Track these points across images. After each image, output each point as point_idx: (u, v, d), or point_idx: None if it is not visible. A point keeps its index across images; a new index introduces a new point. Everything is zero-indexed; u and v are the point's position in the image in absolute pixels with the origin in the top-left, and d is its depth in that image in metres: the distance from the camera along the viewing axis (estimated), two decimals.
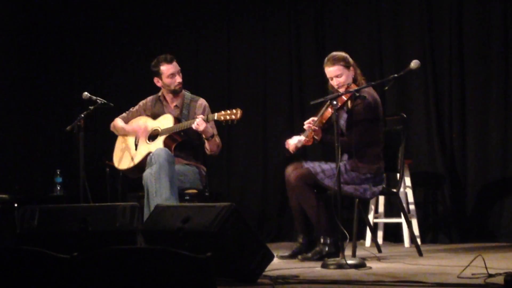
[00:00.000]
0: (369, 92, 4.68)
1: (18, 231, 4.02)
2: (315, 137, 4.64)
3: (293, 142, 4.75)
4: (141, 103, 5.45)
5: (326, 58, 4.77)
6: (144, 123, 5.27)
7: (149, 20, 7.11)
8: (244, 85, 6.80)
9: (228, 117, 4.85)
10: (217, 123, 5.07)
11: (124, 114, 5.45)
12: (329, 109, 4.60)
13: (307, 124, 4.64)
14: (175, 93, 5.29)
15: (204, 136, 5.05)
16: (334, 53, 4.79)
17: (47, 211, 4.02)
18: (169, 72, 5.23)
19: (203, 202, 5.08)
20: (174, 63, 5.25)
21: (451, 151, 5.93)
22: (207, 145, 5.13)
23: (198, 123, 4.94)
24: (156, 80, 5.30)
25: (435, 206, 6.02)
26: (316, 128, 4.61)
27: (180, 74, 5.28)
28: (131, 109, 5.46)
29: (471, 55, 5.89)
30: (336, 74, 4.71)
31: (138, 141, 5.27)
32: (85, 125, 5.20)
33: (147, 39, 7.10)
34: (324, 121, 4.64)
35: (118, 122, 5.40)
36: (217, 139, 5.15)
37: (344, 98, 4.59)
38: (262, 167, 6.67)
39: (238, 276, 3.63)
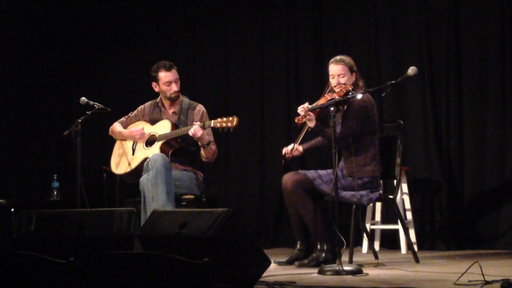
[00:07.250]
0: (365, 97, 4.69)
1: (15, 236, 4.01)
2: (309, 123, 4.62)
3: (290, 147, 4.80)
4: (139, 108, 5.45)
5: (334, 58, 4.84)
6: (142, 128, 5.27)
7: (147, 25, 7.12)
8: (242, 92, 6.81)
9: (224, 125, 4.86)
10: (214, 130, 5.08)
11: (122, 119, 5.45)
12: (326, 96, 4.61)
13: (300, 108, 4.63)
14: (171, 100, 5.30)
15: (200, 143, 5.06)
16: (343, 56, 4.86)
17: (44, 216, 4.01)
18: (166, 80, 5.23)
19: (200, 208, 5.07)
20: (173, 71, 5.25)
21: (448, 157, 5.93)
22: (202, 152, 5.14)
23: (195, 130, 4.94)
24: (154, 85, 5.31)
25: (432, 212, 6.01)
26: (310, 113, 4.59)
27: (178, 82, 5.27)
28: (129, 114, 5.46)
29: (468, 62, 5.90)
30: (339, 73, 4.76)
31: (135, 146, 5.27)
32: (83, 130, 5.20)
33: (145, 44, 7.11)
34: (319, 110, 4.61)
35: (117, 126, 5.41)
36: (213, 146, 5.15)
37: (338, 96, 4.54)
38: (259, 173, 6.66)
39: (235, 282, 3.63)
